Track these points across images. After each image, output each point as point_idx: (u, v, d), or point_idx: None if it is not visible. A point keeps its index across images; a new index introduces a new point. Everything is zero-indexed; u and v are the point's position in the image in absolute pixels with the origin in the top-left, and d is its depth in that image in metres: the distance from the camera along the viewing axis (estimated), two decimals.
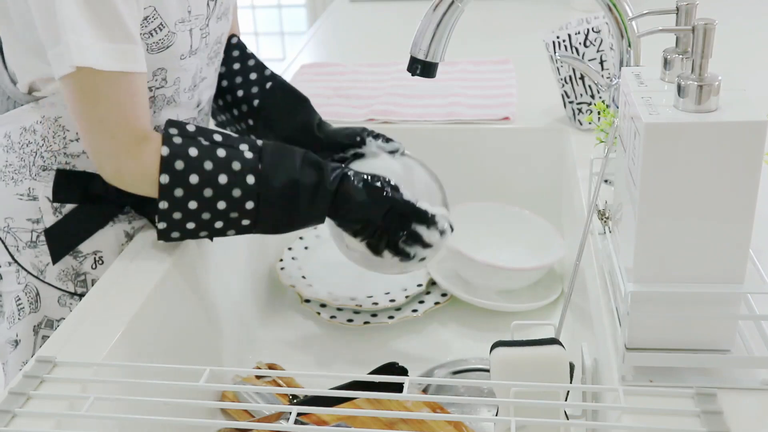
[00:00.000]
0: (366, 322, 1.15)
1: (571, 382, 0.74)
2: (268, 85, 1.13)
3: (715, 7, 0.94)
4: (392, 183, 0.97)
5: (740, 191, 0.64)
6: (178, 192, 0.87)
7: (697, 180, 0.64)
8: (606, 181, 0.98)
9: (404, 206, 0.96)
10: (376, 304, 1.17)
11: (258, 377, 1.02)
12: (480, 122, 1.35)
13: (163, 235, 0.90)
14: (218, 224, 0.90)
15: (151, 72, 0.93)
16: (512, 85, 1.50)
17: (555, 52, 1.25)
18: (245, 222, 0.91)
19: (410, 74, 0.99)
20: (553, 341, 0.73)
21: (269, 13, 4.08)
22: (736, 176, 0.63)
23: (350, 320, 1.16)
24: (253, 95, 1.13)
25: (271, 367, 1.06)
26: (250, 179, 0.89)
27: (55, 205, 0.97)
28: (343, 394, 0.81)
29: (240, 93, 1.13)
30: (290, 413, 0.64)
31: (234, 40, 1.16)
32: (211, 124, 1.17)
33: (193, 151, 0.88)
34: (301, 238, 1.33)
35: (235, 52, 1.15)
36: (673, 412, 0.64)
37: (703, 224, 0.65)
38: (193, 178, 0.87)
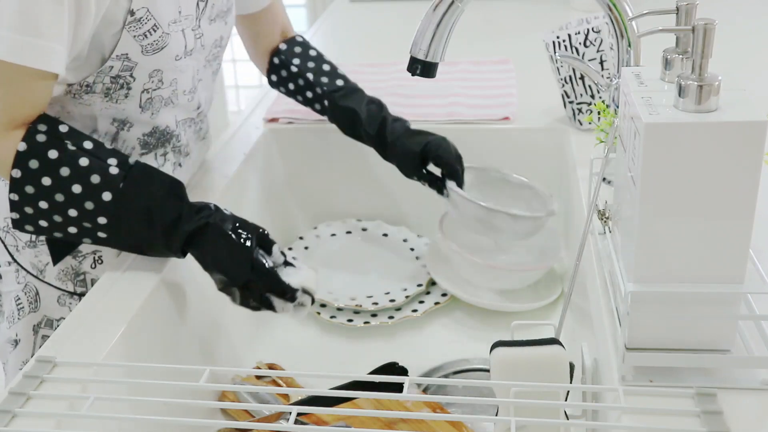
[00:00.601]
0: (366, 322, 1.15)
1: (571, 382, 0.74)
2: (326, 103, 1.21)
3: (715, 7, 0.93)
4: (263, 238, 0.90)
5: (740, 191, 0.64)
6: (29, 189, 0.85)
7: (697, 180, 0.64)
8: (606, 180, 0.98)
9: (266, 277, 0.87)
10: (376, 304, 1.17)
11: (258, 377, 1.02)
12: (480, 122, 1.35)
13: (17, 224, 0.89)
14: (72, 229, 0.88)
15: (147, 74, 0.92)
16: (512, 85, 1.50)
17: (555, 52, 1.25)
18: (101, 234, 0.88)
19: (410, 74, 0.99)
20: (553, 341, 0.73)
21: None
22: (736, 176, 0.63)
23: (350, 320, 1.16)
24: (321, 111, 1.23)
25: (271, 367, 1.06)
26: (107, 196, 0.85)
27: None
28: (343, 394, 0.81)
29: (317, 107, 1.23)
30: (290, 413, 0.64)
31: (276, 60, 1.21)
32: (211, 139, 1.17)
33: (52, 153, 0.85)
34: (301, 238, 1.33)
35: (283, 72, 1.22)
36: (673, 412, 0.64)
37: (703, 224, 0.65)
38: (46, 180, 0.85)
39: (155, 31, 0.90)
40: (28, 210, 0.87)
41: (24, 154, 0.85)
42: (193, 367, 0.70)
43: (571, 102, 1.28)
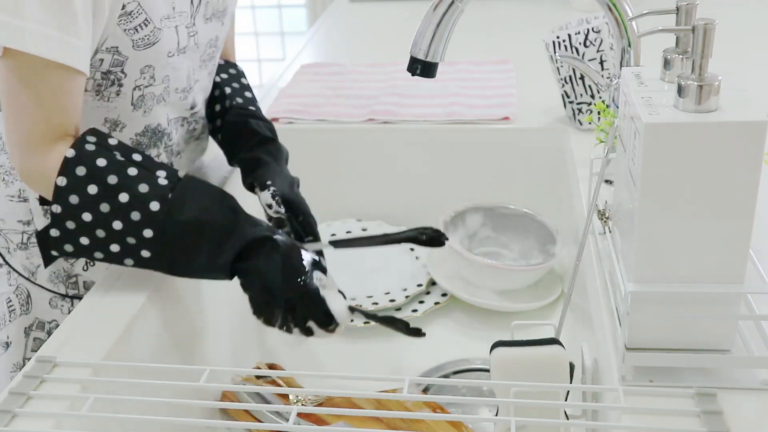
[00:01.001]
0: (366, 322, 1.15)
1: (571, 382, 0.74)
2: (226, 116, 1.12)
3: (715, 7, 0.94)
4: (314, 269, 0.86)
5: (740, 191, 0.64)
6: (73, 198, 0.81)
7: (697, 180, 0.64)
8: (606, 181, 0.98)
9: (316, 304, 0.84)
10: (376, 304, 1.17)
11: (258, 377, 1.02)
12: (480, 122, 1.35)
13: (56, 245, 0.83)
14: (114, 247, 0.83)
15: (139, 69, 0.92)
16: (512, 85, 1.50)
17: (555, 52, 1.25)
18: (144, 253, 0.83)
19: (410, 74, 0.99)
20: (553, 341, 0.73)
21: (269, 13, 4.08)
22: (736, 176, 0.63)
23: (350, 320, 1.16)
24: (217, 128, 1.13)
25: (271, 367, 1.06)
26: (154, 205, 0.82)
27: (46, 206, 0.97)
28: (345, 393, 0.81)
29: (218, 122, 1.13)
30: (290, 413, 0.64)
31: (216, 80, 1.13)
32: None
33: (101, 162, 0.82)
34: None
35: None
36: (673, 412, 0.64)
37: (703, 224, 0.65)
38: (92, 189, 0.81)
39: (146, 25, 0.89)
40: (70, 224, 0.82)
41: (72, 160, 0.82)
42: (193, 367, 0.71)
43: (571, 102, 1.28)
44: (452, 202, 1.26)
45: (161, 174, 0.84)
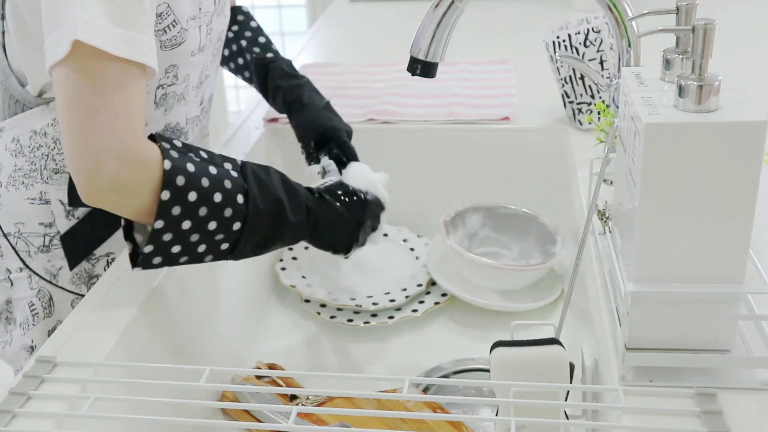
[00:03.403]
0: (366, 322, 1.15)
1: (571, 382, 0.74)
2: (252, 68, 1.22)
3: (715, 7, 0.94)
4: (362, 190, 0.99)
5: (740, 191, 0.64)
6: (176, 210, 0.79)
7: (697, 180, 0.64)
8: (606, 180, 0.98)
9: (378, 204, 0.99)
10: (376, 304, 1.17)
11: (258, 377, 1.02)
12: (480, 122, 1.35)
13: (144, 261, 0.80)
14: (201, 248, 0.82)
15: (164, 69, 0.92)
16: (512, 85, 1.50)
17: (555, 52, 1.25)
18: (224, 246, 0.84)
19: (410, 74, 0.99)
20: (553, 341, 0.73)
21: (269, 13, 4.08)
22: (736, 176, 0.63)
23: (350, 320, 1.16)
24: (249, 79, 1.25)
25: (271, 367, 1.06)
26: (240, 198, 0.82)
27: (68, 208, 0.97)
28: (343, 394, 0.81)
29: (246, 74, 1.24)
30: (290, 413, 0.64)
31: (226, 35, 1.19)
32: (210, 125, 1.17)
33: (190, 166, 0.80)
34: None
35: (226, 51, 1.21)
36: (673, 412, 0.64)
37: (703, 224, 0.65)
38: (192, 195, 0.79)
39: (174, 26, 0.90)
40: (167, 237, 0.79)
41: (170, 172, 0.78)
42: (193, 367, 0.71)
43: (571, 102, 1.28)
44: (452, 202, 1.26)
45: (228, 166, 0.84)
